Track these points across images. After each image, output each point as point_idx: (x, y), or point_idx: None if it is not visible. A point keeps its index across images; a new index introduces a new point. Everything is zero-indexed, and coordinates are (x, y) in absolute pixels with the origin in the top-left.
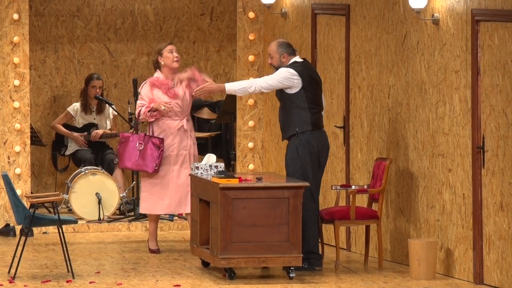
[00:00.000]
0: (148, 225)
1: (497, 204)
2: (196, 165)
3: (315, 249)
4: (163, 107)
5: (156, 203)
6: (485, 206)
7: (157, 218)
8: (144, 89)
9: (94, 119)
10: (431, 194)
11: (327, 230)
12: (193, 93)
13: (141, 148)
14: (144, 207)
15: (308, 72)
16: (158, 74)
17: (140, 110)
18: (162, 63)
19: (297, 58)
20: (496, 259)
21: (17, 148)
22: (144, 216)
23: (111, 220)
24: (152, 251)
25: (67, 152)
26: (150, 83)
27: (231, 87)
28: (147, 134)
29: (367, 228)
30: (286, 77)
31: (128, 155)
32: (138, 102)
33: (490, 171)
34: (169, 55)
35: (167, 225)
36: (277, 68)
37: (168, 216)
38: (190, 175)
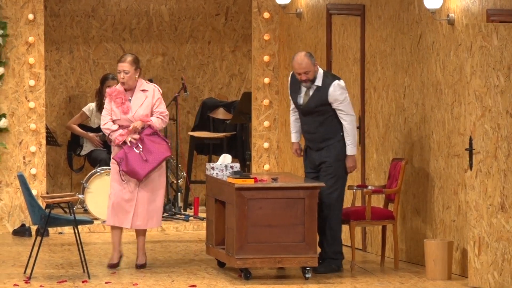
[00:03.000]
0: None
1: None
2: (212, 165)
3: (341, 249)
4: (129, 139)
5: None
6: None
7: (114, 229)
8: (106, 101)
9: None
10: (447, 195)
11: (343, 230)
12: (348, 171)
13: (141, 149)
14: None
15: None
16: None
17: (110, 133)
18: None
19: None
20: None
21: (33, 148)
22: None
23: None
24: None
25: (83, 152)
26: (107, 94)
27: (353, 149)
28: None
29: (383, 229)
30: (347, 94)
31: (136, 164)
32: (104, 112)
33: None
34: (118, 74)
35: (183, 225)
36: (311, 81)
37: (184, 216)
38: (206, 175)
